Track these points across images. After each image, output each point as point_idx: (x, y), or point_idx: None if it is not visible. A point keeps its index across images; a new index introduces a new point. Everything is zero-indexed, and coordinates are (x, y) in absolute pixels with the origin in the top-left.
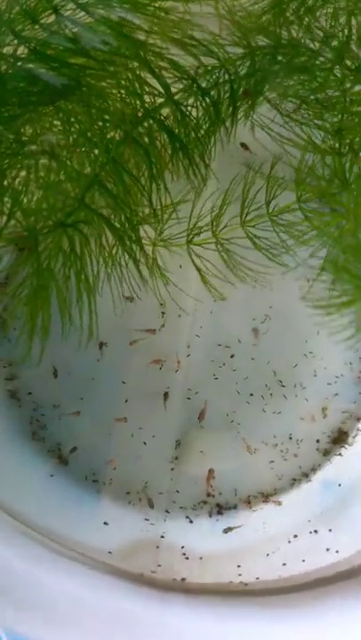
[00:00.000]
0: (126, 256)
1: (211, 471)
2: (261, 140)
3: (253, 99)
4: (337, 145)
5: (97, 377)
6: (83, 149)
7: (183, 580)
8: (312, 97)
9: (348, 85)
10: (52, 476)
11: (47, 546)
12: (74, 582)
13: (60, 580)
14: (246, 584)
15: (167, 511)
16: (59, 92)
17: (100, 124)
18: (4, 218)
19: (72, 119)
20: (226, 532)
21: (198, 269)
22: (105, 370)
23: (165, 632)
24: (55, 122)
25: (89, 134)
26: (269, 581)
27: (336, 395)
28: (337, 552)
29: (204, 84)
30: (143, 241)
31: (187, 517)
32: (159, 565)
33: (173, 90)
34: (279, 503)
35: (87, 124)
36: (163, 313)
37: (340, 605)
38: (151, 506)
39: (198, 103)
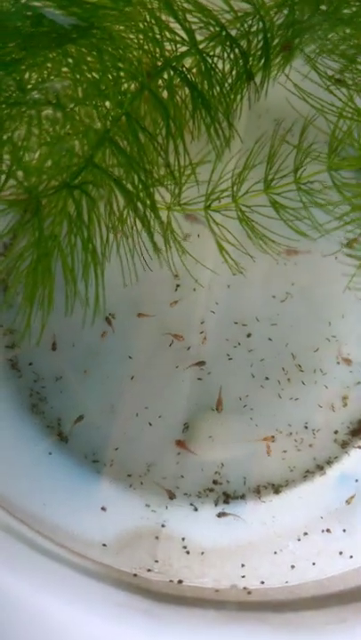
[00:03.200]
0: (139, 223)
1: (180, 442)
2: (292, 100)
3: (290, 54)
4: None
5: (102, 350)
6: (93, 102)
7: (180, 582)
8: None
9: None
10: (50, 453)
11: (30, 544)
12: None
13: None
14: (250, 592)
15: (170, 497)
16: (67, 34)
17: (114, 73)
18: (4, 177)
19: (82, 66)
20: (220, 517)
21: (216, 239)
22: (111, 343)
23: None
24: (62, 69)
25: (100, 84)
26: (276, 589)
27: (359, 383)
28: (351, 557)
29: (233, 33)
30: (157, 205)
31: (191, 505)
32: (156, 561)
33: (198, 38)
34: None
35: (99, 72)
36: (177, 285)
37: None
38: (171, 497)
39: (226, 54)
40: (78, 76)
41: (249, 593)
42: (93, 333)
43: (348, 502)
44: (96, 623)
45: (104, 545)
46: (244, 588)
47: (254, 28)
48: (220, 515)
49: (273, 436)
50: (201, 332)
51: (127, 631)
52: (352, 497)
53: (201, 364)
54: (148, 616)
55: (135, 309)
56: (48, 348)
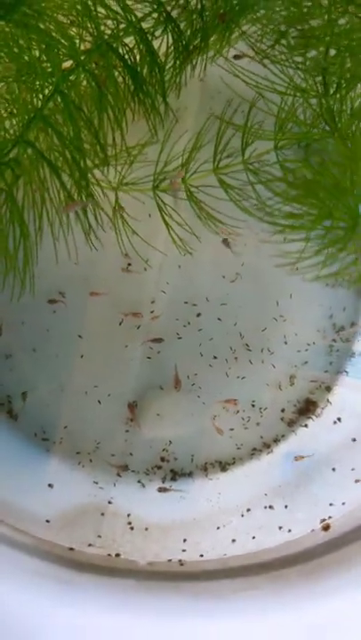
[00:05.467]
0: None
1: (131, 405)
2: (235, 85)
3: (228, 29)
4: (322, 85)
5: (52, 329)
6: (23, 79)
7: (118, 555)
8: (293, 29)
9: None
10: None
11: None
12: None
13: None
14: (183, 563)
15: (118, 474)
16: None
17: (44, 49)
18: None
19: (10, 43)
20: (160, 492)
21: (164, 219)
22: (61, 322)
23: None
24: None
25: (30, 61)
26: (211, 561)
27: (306, 363)
28: (289, 531)
29: (173, 13)
30: (105, 184)
31: (139, 482)
32: (99, 536)
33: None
34: None
35: (29, 49)
36: (129, 265)
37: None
38: (119, 473)
39: (165, 33)
40: (8, 52)
41: (182, 564)
42: (43, 312)
43: (296, 459)
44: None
45: (47, 521)
46: (180, 561)
47: (192, 6)
48: (161, 490)
49: (235, 401)
50: (151, 312)
51: (34, 597)
52: (302, 456)
53: (158, 340)
54: (61, 583)
55: (86, 288)
56: None
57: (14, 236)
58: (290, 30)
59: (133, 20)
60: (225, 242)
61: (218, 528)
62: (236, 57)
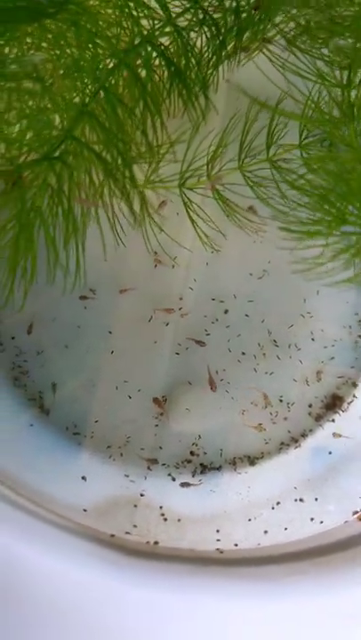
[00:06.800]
0: (117, 196)
1: (157, 400)
2: (261, 86)
3: (262, 23)
4: (345, 75)
5: (83, 325)
6: (71, 76)
7: (156, 543)
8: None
9: None
10: (31, 425)
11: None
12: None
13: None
14: (222, 551)
15: (149, 468)
16: (44, 8)
17: (91, 47)
18: None
19: (60, 41)
20: (183, 487)
21: (190, 216)
22: (92, 318)
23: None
24: (40, 43)
25: (76, 58)
26: (247, 550)
27: (332, 358)
28: (321, 522)
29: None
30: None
31: (169, 475)
32: (135, 526)
33: (174, 13)
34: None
35: (76, 47)
36: (159, 261)
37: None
38: (150, 467)
39: (202, 30)
40: (57, 51)
41: (221, 552)
42: (74, 309)
43: (334, 436)
44: (62, 569)
45: (85, 510)
46: (217, 549)
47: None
48: (184, 485)
49: (265, 395)
50: (180, 309)
51: (91, 576)
52: (340, 434)
53: (201, 343)
54: (114, 565)
55: (115, 285)
56: (26, 326)
57: (64, 232)
58: (318, 19)
59: (171, 17)
60: (250, 209)
61: (249, 520)
62: (265, 40)
